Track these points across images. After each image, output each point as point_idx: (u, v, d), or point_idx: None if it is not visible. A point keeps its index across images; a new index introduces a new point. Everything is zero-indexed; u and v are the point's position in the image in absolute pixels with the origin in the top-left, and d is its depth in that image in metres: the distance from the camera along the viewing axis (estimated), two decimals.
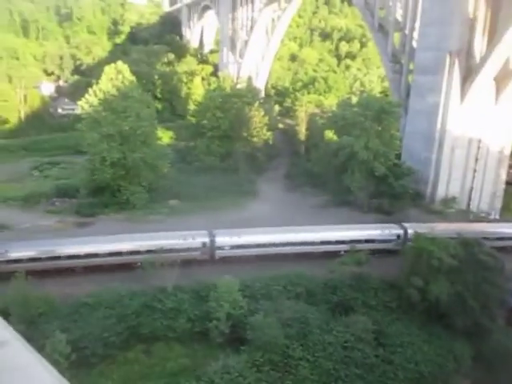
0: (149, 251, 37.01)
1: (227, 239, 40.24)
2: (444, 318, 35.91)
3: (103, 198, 52.73)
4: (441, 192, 56.04)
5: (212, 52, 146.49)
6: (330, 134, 64.11)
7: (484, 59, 51.57)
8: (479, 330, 35.63)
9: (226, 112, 69.10)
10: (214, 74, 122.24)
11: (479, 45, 53.04)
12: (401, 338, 34.43)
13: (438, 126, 54.62)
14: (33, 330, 29.01)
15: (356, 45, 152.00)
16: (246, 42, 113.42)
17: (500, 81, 54.15)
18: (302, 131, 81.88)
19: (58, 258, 36.53)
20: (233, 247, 40.06)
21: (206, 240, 39.77)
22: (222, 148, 69.26)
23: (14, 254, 35.70)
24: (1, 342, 2.14)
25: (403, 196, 52.81)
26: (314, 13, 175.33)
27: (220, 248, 40.03)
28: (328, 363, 31.14)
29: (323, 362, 31.09)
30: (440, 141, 55.01)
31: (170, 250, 37.42)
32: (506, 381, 34.33)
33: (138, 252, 37.39)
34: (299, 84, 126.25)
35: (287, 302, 33.86)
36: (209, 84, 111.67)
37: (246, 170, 69.88)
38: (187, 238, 39.22)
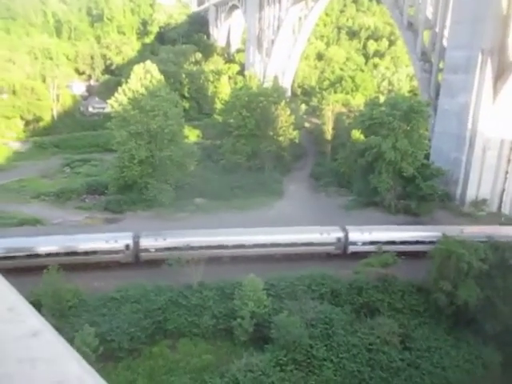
0: (288, 244, 39.21)
1: (359, 235, 41.36)
2: (472, 322, 35.09)
3: (131, 194, 53.70)
4: (471, 194, 54.64)
5: (239, 51, 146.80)
6: (356, 134, 63.22)
7: None
8: (509, 336, 34.65)
9: (253, 111, 69.09)
10: (241, 73, 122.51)
11: None
12: (427, 343, 33.88)
13: (469, 126, 53.25)
14: (63, 322, 29.94)
15: (384, 43, 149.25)
16: (273, 41, 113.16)
17: None
18: (329, 131, 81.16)
19: (208, 247, 37.76)
20: (364, 243, 41.00)
21: (341, 235, 41.21)
22: (248, 147, 69.28)
23: (171, 241, 37.70)
24: (34, 331, 2.22)
25: (431, 197, 51.73)
26: (342, 11, 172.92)
27: (352, 243, 41.24)
28: (352, 365, 30.93)
29: (347, 363, 30.90)
30: (471, 141, 53.63)
31: (308, 244, 39.69)
32: None
33: (278, 245, 39.13)
34: (326, 83, 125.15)
35: (311, 302, 33.77)
36: (235, 83, 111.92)
37: (272, 169, 69.85)
38: (323, 233, 40.61)
